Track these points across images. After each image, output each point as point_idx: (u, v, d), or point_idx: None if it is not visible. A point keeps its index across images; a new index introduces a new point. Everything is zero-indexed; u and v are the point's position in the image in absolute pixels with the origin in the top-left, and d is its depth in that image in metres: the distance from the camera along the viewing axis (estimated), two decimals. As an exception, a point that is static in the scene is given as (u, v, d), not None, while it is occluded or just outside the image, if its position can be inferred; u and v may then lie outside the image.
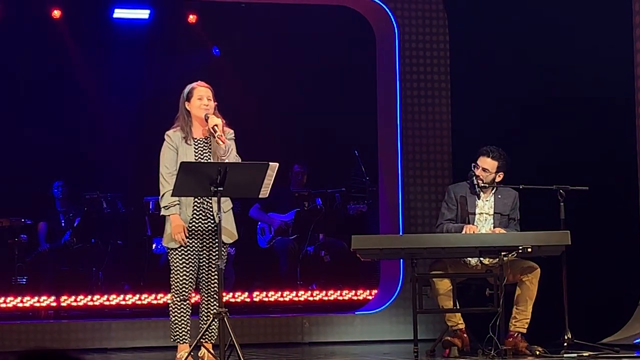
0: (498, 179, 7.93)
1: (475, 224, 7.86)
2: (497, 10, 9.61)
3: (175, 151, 6.98)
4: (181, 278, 6.97)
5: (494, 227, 7.84)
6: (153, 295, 10.83)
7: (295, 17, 11.60)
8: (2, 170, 11.39)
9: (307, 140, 12.19)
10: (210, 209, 6.99)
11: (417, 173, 9.99)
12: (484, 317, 7.38)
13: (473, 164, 7.95)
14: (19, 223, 11.10)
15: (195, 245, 6.99)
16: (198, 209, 7.00)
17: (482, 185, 7.88)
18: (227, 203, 6.97)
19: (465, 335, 7.73)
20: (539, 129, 9.53)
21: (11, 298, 10.55)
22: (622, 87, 8.92)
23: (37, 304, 10.54)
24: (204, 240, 7.01)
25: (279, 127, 12.08)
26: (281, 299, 11.08)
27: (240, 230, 7.24)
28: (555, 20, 9.39)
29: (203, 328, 6.92)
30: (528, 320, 7.71)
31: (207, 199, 6.97)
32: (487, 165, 7.88)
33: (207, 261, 7.02)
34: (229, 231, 6.97)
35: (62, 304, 10.61)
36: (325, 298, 11.18)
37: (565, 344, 7.69)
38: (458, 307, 7.66)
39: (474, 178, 7.91)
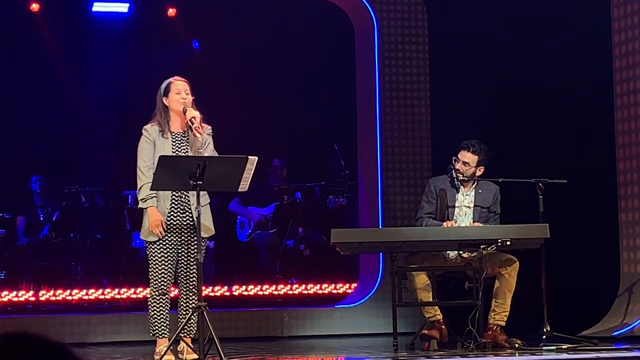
0: (478, 173, 7.90)
1: (454, 217, 7.84)
2: (477, 4, 9.62)
3: (152, 145, 6.96)
4: (160, 272, 6.95)
5: (473, 222, 7.82)
6: (132, 290, 10.80)
7: (275, 11, 11.58)
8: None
9: (286, 134, 12.18)
10: (189, 203, 6.97)
11: (397, 166, 10.00)
12: (463, 310, 7.39)
13: (453, 158, 7.91)
14: (-4, 217, 11.06)
15: (174, 240, 6.98)
16: (176, 202, 6.97)
17: (462, 179, 7.86)
18: (204, 197, 6.93)
19: (443, 326, 7.73)
20: (519, 122, 9.55)
21: (-11, 293, 10.51)
22: (601, 82, 8.95)
23: (16, 299, 10.49)
24: (182, 235, 6.99)
25: (258, 121, 12.06)
26: (261, 292, 11.07)
27: (220, 224, 7.23)
28: (535, 15, 9.41)
29: (182, 322, 6.91)
30: (507, 313, 7.70)
31: (185, 192, 6.95)
32: (467, 159, 7.84)
33: (185, 255, 7.00)
34: (206, 226, 6.94)
35: (41, 299, 10.57)
36: (305, 292, 11.17)
37: (544, 337, 7.70)
38: (437, 300, 7.67)
39: (453, 171, 7.88)
